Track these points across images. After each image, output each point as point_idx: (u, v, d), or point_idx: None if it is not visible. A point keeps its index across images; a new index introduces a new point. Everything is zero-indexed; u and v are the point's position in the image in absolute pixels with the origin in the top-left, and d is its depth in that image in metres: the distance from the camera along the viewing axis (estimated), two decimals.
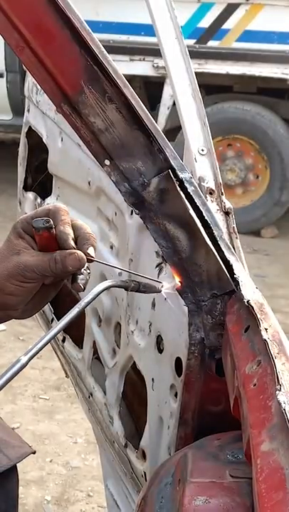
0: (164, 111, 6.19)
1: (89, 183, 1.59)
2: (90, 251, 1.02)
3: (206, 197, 1.26)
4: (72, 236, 1.01)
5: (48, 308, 2.03)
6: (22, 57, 1.08)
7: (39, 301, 1.10)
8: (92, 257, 1.02)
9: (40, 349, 0.91)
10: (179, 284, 1.14)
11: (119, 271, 1.44)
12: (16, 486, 1.56)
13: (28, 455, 1.55)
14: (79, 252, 1.00)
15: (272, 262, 5.93)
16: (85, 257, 1.01)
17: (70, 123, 1.14)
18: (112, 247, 1.51)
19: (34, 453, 1.57)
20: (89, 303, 0.99)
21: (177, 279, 1.14)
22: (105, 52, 1.10)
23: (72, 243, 1.01)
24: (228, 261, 1.13)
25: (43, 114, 1.92)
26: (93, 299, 1.00)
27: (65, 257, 1.00)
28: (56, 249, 1.01)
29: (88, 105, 1.11)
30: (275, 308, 4.65)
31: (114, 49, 5.85)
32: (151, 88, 6.49)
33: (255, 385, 0.87)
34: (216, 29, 6.20)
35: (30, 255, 1.03)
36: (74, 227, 1.03)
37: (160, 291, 1.13)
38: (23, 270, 1.02)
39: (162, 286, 1.13)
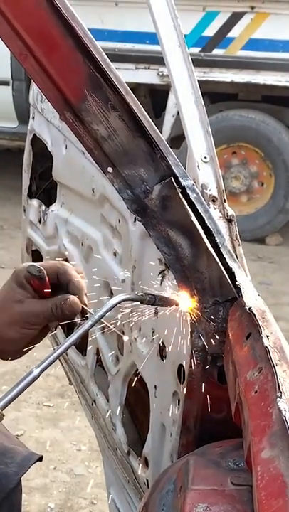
0: (169, 119, 6.21)
1: (93, 191, 1.59)
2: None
3: (208, 204, 1.26)
4: (86, 291, 1.12)
5: None
6: (25, 65, 1.09)
7: (29, 346, 1.16)
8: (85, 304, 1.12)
9: (52, 362, 0.92)
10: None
11: (122, 278, 1.44)
12: (20, 495, 1.56)
13: (36, 462, 1.54)
14: (72, 297, 1.10)
15: (277, 269, 5.92)
16: (78, 302, 1.09)
17: (73, 130, 1.14)
18: (115, 254, 1.51)
19: (41, 459, 1.56)
20: (103, 316, 1.01)
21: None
22: (108, 60, 1.10)
23: (86, 299, 1.11)
24: (230, 268, 1.13)
25: (47, 122, 1.92)
26: (107, 311, 1.02)
27: (62, 302, 1.09)
28: (49, 295, 1.11)
29: (91, 113, 1.12)
30: (280, 315, 4.67)
31: (119, 57, 5.88)
32: (157, 96, 6.51)
33: (256, 392, 0.87)
34: (221, 37, 6.22)
35: (33, 303, 1.11)
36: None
37: (177, 305, 1.12)
38: (28, 317, 1.10)
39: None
